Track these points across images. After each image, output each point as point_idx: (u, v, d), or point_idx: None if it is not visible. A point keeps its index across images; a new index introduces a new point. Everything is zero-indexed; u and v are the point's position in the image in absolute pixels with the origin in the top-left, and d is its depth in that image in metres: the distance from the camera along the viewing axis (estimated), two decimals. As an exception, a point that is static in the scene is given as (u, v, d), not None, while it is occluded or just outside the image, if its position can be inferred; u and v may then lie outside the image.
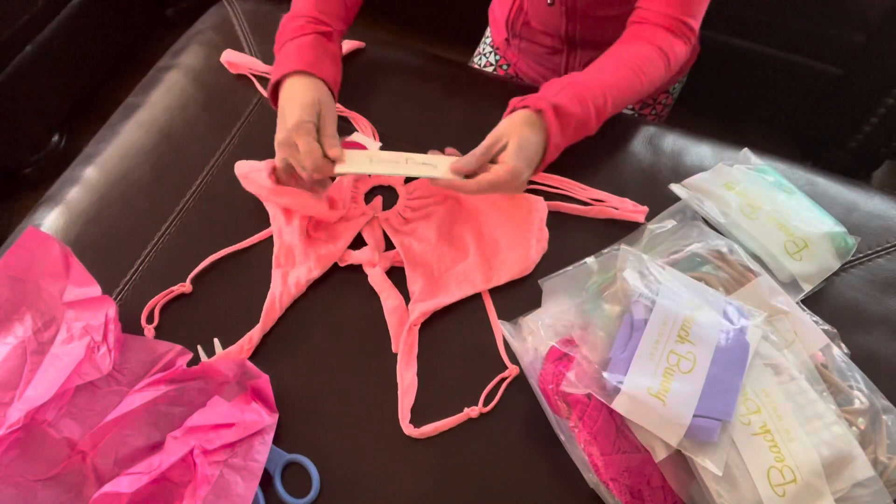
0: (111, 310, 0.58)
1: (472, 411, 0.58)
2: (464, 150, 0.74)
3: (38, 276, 0.60)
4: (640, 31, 0.73)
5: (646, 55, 0.71)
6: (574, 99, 0.66)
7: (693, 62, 0.95)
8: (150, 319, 0.63)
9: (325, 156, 0.63)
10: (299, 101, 0.65)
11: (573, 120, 0.66)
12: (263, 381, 0.57)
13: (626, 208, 0.69)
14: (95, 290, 0.59)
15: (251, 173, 0.68)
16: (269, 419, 0.56)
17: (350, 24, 0.77)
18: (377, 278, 0.64)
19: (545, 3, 0.83)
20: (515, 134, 0.64)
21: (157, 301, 0.63)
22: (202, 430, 0.54)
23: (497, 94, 0.80)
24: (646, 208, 0.69)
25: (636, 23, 0.74)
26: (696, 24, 0.74)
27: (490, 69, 1.02)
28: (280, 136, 0.64)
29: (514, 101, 0.67)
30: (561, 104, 0.65)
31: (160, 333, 0.62)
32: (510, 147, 0.63)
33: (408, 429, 0.57)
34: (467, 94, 0.80)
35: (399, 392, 0.59)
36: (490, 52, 1.03)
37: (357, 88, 0.78)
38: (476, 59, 1.05)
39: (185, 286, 0.64)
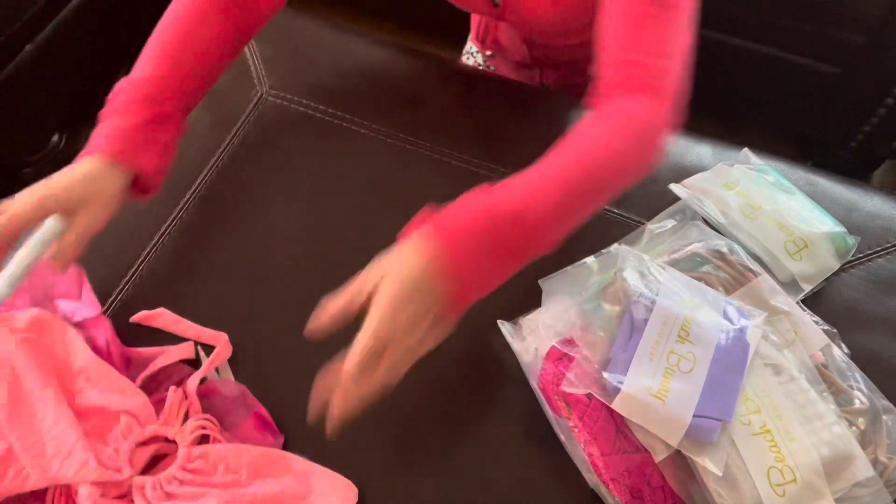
0: (108, 329, 0.58)
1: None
2: (465, 151, 0.74)
3: (55, 296, 0.60)
4: (601, 106, 0.55)
5: (597, 153, 0.52)
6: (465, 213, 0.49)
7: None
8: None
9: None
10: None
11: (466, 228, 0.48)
12: (261, 409, 0.57)
13: None
14: (96, 309, 0.60)
15: None
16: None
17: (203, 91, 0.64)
18: None
19: (509, 32, 0.82)
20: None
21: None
22: None
23: (492, 91, 0.80)
24: None
25: (599, 96, 0.56)
26: (669, 64, 0.55)
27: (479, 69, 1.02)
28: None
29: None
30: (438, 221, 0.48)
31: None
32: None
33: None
34: (463, 91, 0.80)
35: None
36: (477, 52, 1.03)
37: (354, 88, 0.78)
38: (465, 58, 1.06)
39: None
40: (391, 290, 0.45)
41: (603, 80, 0.56)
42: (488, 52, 0.95)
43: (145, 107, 0.57)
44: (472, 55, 1.04)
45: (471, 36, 1.05)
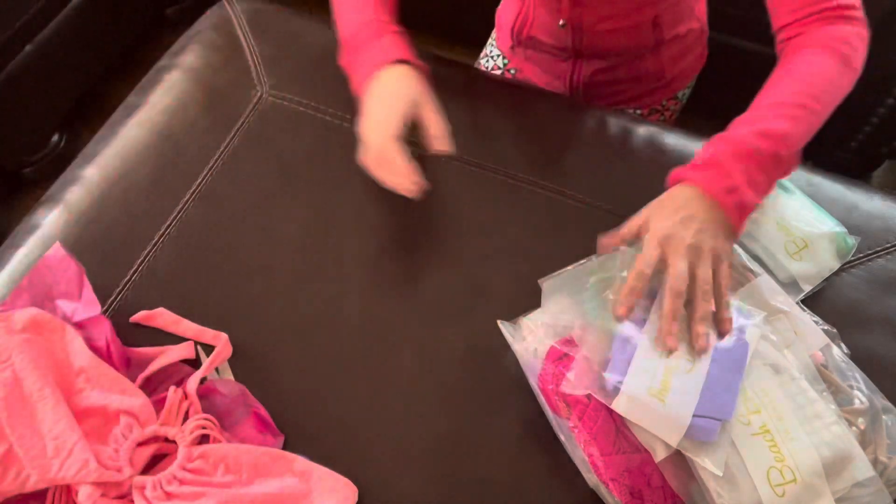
0: (108, 329, 0.58)
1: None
2: (464, 151, 0.74)
3: (56, 296, 0.60)
4: (794, 45, 0.64)
5: (807, 69, 0.62)
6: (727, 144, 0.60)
7: (701, 66, 0.95)
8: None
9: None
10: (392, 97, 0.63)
11: (733, 159, 0.57)
12: (261, 409, 0.57)
13: None
14: (96, 309, 0.60)
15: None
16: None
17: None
18: None
19: (552, 20, 0.82)
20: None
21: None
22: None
23: (502, 96, 0.80)
24: None
25: (787, 39, 0.66)
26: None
27: (498, 73, 1.01)
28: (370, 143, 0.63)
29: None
30: (706, 157, 0.58)
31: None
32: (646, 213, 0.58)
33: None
34: (471, 96, 0.79)
35: None
36: (498, 56, 1.02)
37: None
38: (483, 61, 1.05)
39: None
40: (658, 202, 0.57)
41: (790, 25, 0.65)
42: (519, 48, 0.94)
43: (392, 27, 0.68)
44: (491, 58, 1.03)
45: (494, 39, 1.03)
